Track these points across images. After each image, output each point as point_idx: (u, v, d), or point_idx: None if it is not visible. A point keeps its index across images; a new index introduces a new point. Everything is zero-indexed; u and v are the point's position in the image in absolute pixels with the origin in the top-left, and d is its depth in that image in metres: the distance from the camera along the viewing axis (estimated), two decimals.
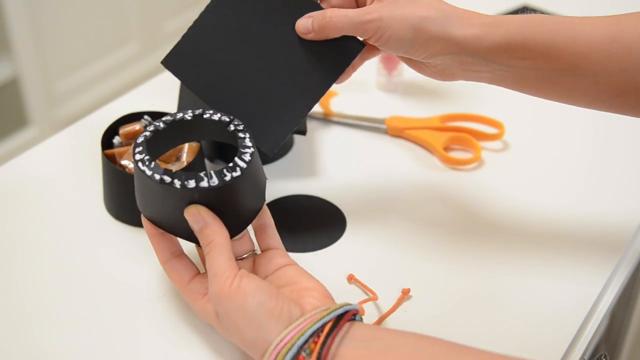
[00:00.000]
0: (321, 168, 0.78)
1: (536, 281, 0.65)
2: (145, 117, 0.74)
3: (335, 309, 0.51)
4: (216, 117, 0.60)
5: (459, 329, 0.60)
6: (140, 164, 0.55)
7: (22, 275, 0.65)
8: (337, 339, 0.50)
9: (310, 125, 0.85)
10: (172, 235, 0.58)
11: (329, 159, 0.80)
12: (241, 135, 0.58)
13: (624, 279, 0.67)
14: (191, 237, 0.56)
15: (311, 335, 0.50)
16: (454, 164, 0.79)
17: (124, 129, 0.72)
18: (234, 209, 0.56)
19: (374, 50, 0.66)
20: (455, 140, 0.82)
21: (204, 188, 0.54)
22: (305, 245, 0.68)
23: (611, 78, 0.57)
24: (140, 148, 0.57)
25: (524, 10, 1.09)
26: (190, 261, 0.59)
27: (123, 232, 0.70)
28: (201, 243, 0.55)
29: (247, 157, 0.56)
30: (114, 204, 0.71)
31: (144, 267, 0.65)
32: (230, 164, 0.55)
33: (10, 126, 2.06)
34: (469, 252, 0.68)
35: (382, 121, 0.84)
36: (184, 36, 0.64)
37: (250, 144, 0.58)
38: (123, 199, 0.69)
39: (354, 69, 0.67)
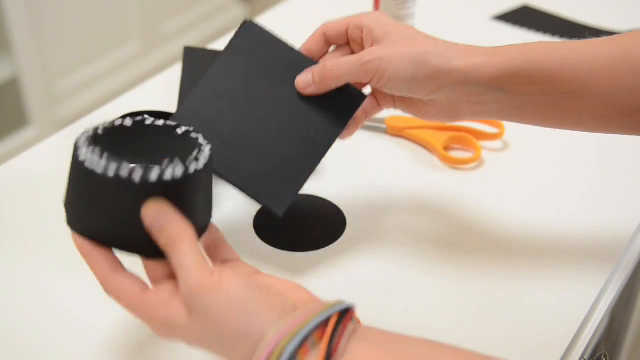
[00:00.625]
0: (321, 168, 0.78)
1: (536, 280, 0.65)
2: (145, 116, 0.74)
3: (339, 304, 0.47)
4: (160, 122, 0.54)
5: (458, 327, 0.60)
6: (87, 163, 0.48)
7: (22, 275, 0.65)
8: (346, 335, 0.45)
9: None
10: (108, 250, 0.51)
11: (329, 159, 0.80)
12: (193, 135, 0.53)
13: (624, 278, 0.67)
14: (140, 245, 0.49)
15: (316, 327, 0.45)
16: (454, 163, 0.79)
17: None
18: (192, 210, 0.50)
19: (376, 105, 0.65)
20: (455, 139, 0.82)
21: (167, 181, 0.47)
22: (305, 245, 0.68)
23: (619, 97, 0.57)
24: (86, 146, 0.49)
25: (524, 9, 1.09)
26: (135, 275, 0.51)
27: None
28: (164, 242, 0.48)
29: (207, 152, 0.51)
30: None
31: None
32: (192, 156, 0.49)
33: (10, 126, 2.06)
34: (468, 251, 0.68)
35: (382, 121, 0.84)
36: (186, 99, 0.63)
37: (205, 142, 0.52)
38: None
39: (357, 125, 0.66)
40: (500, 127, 0.82)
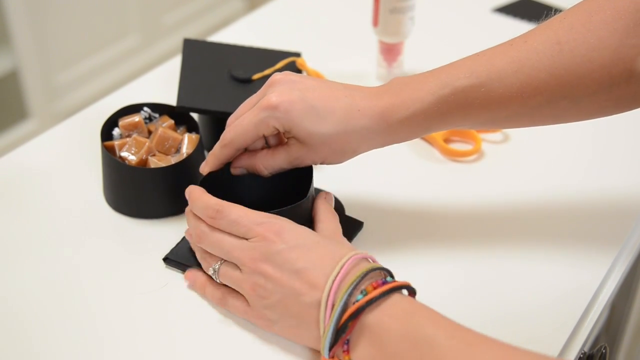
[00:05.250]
0: None
1: (536, 272, 0.65)
2: (145, 108, 0.74)
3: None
4: None
5: (460, 317, 0.60)
6: None
7: (21, 267, 0.65)
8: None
9: None
10: None
11: None
12: None
13: (625, 270, 0.67)
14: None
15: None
16: (454, 156, 0.79)
17: (124, 121, 0.72)
18: None
19: None
20: (455, 132, 0.82)
21: None
22: None
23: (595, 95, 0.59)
24: None
25: (525, 1, 1.09)
26: None
27: (122, 223, 0.70)
28: None
29: None
30: (113, 196, 0.71)
31: (143, 258, 0.65)
32: None
33: (10, 118, 2.06)
34: (469, 243, 0.68)
35: None
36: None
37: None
38: (122, 191, 0.69)
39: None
40: None
